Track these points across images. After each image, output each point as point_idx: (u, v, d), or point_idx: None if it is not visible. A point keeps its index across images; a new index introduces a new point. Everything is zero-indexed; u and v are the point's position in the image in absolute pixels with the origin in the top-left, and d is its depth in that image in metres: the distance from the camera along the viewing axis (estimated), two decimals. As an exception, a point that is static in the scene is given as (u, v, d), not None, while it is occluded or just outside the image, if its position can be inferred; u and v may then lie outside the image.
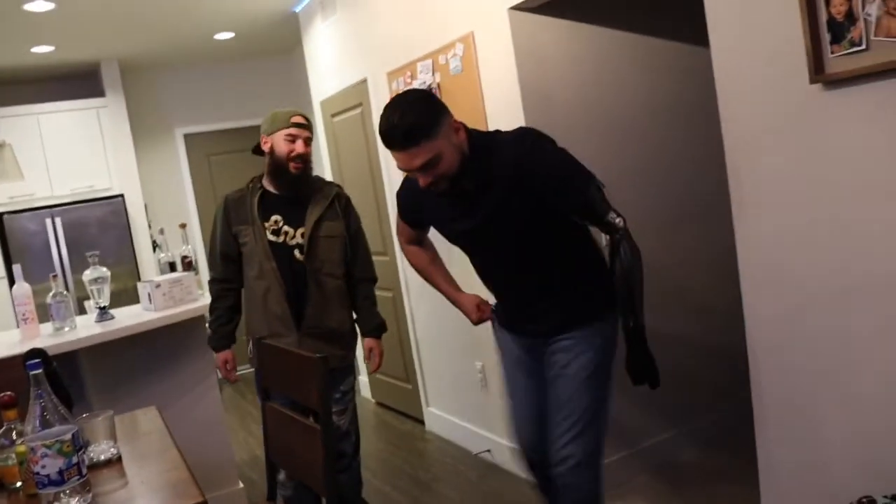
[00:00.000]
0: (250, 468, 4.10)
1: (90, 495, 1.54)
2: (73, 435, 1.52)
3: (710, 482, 3.03)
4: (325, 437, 1.80)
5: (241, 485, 3.57)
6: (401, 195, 2.33)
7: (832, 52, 1.74)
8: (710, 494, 2.93)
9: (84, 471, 1.54)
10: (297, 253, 2.67)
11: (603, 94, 3.09)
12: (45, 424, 1.50)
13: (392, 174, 4.07)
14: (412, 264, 2.49)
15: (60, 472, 1.49)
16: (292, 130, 2.65)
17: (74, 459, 1.51)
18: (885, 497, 1.75)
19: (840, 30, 1.71)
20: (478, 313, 2.36)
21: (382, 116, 1.95)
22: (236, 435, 4.71)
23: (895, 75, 1.63)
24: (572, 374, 2.11)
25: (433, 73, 3.45)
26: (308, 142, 2.67)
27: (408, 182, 2.25)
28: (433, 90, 3.46)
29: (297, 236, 2.68)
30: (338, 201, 2.76)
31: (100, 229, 5.35)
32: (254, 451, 4.42)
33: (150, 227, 5.69)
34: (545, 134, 2.05)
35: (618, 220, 2.01)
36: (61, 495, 1.50)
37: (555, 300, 2.15)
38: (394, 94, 3.79)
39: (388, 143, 1.95)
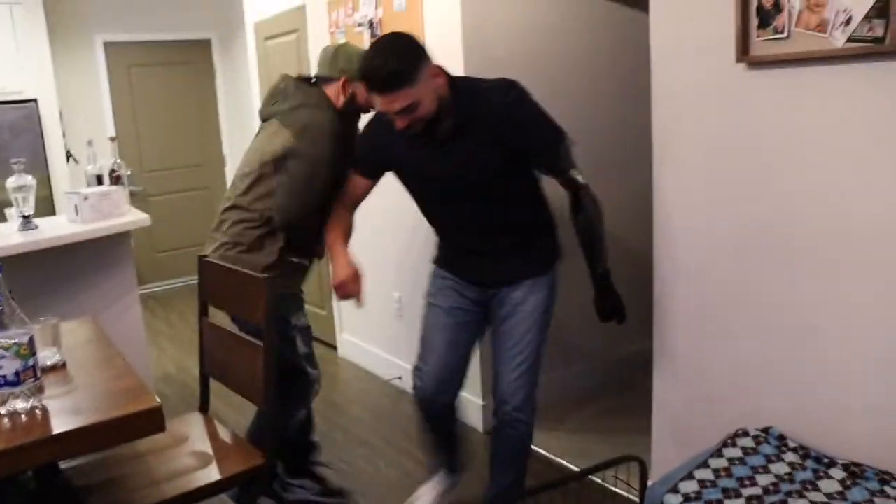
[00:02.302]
0: (164, 384, 4.16)
1: (43, 396, 1.61)
2: (30, 339, 1.58)
3: (607, 416, 3.33)
4: (267, 353, 1.92)
5: (158, 399, 3.62)
6: (365, 138, 2.34)
7: (758, 36, 1.93)
8: (605, 424, 3.23)
9: (39, 374, 1.61)
10: None
11: (544, 46, 3.21)
12: (2, 326, 1.55)
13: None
14: (330, 226, 2.36)
15: (17, 374, 1.55)
16: None
17: (31, 362, 1.57)
18: (757, 430, 2.04)
19: (767, 16, 1.89)
20: (344, 288, 2.27)
21: (366, 58, 2.02)
22: (150, 352, 4.73)
23: (809, 64, 1.83)
24: (528, 312, 2.26)
25: (376, 8, 3.47)
26: None
27: (376, 124, 2.28)
28: (373, 24, 3.50)
29: None
30: None
31: (10, 134, 5.11)
32: (165, 368, 4.47)
33: (63, 135, 5.48)
34: (526, 89, 2.14)
35: (579, 176, 2.18)
36: (15, 395, 1.56)
37: (511, 250, 2.28)
38: (333, 25, 3.82)
39: (370, 87, 2.02)
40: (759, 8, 1.90)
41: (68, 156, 5.45)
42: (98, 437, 1.52)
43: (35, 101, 5.22)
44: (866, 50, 1.70)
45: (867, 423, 1.85)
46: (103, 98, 5.99)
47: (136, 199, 6.05)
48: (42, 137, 5.25)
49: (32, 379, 1.58)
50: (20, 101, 5.18)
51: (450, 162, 2.15)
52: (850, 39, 1.73)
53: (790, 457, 1.91)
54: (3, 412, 1.56)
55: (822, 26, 1.78)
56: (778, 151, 1.95)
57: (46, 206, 5.02)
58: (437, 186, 2.25)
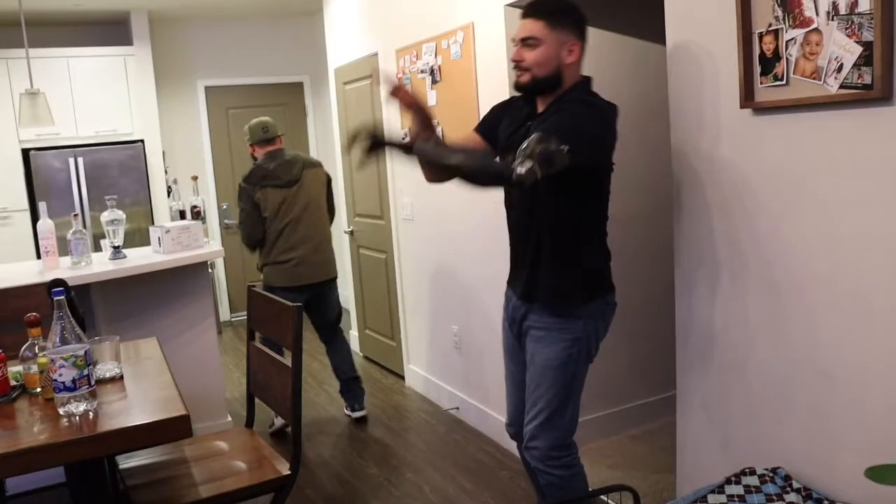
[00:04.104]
0: (241, 405, 4.44)
1: (96, 402, 1.87)
2: (85, 352, 1.84)
3: (656, 453, 3.35)
4: (295, 373, 2.12)
5: (230, 418, 3.91)
6: (494, 106, 2.43)
7: (761, 83, 2.00)
8: (650, 461, 3.25)
9: (93, 382, 1.86)
10: None
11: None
12: (64, 341, 1.82)
13: (393, 145, 4.34)
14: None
15: (74, 381, 1.81)
16: None
17: (86, 372, 1.83)
18: (765, 469, 2.06)
19: (768, 64, 1.97)
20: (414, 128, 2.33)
21: None
22: (232, 374, 5.06)
23: (807, 110, 1.89)
24: (541, 365, 2.21)
25: (436, 56, 3.70)
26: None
27: (505, 101, 2.42)
28: (434, 71, 3.73)
29: None
30: None
31: (119, 171, 5.67)
32: (245, 389, 4.77)
33: (166, 173, 6.00)
34: (605, 102, 2.15)
35: (521, 170, 1.83)
36: (73, 399, 1.82)
37: (543, 262, 2.20)
38: (400, 71, 4.07)
39: (524, 12, 2.13)
40: (762, 56, 1.98)
41: (169, 191, 5.95)
42: (134, 438, 1.75)
43: (142, 141, 5.77)
44: (857, 96, 1.76)
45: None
46: (203, 138, 6.50)
47: (230, 232, 6.51)
48: (147, 175, 5.78)
49: (87, 386, 1.84)
50: (129, 141, 5.74)
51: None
52: (842, 86, 1.79)
53: (791, 497, 1.93)
54: (62, 412, 1.82)
55: (816, 73, 1.84)
56: (783, 196, 2.00)
57: (148, 237, 5.49)
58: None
